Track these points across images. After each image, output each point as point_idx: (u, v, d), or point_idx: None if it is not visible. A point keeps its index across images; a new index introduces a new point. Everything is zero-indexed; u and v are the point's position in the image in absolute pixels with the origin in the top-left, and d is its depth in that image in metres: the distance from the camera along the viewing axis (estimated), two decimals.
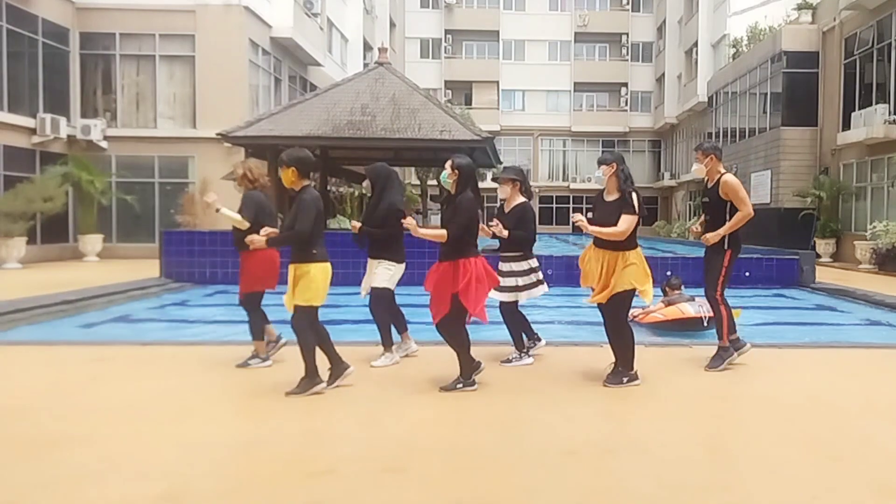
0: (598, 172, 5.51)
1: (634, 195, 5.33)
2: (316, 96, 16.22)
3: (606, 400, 5.03)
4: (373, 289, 6.05)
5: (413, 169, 30.31)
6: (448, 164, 5.27)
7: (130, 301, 10.95)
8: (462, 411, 4.72)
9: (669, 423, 4.51)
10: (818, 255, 18.81)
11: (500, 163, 18.66)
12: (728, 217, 5.86)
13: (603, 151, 5.62)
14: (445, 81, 45.53)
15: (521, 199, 6.10)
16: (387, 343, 6.08)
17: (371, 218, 6.05)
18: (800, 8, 23.10)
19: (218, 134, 15.15)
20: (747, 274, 13.71)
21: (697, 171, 6.12)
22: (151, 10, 19.84)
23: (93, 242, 18.86)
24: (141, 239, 18.86)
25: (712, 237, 5.88)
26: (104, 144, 19.80)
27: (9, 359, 6.37)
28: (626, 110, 45.67)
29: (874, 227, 17.16)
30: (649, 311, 8.37)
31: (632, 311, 8.26)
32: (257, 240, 5.10)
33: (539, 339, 6.36)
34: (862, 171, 19.98)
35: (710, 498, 3.33)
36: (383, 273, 6.04)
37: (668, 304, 8.37)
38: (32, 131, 18.09)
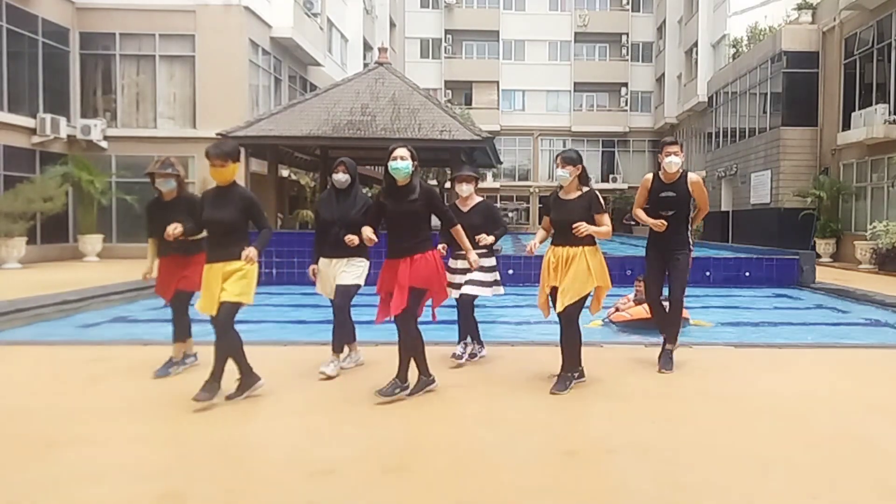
0: (561, 172, 5.22)
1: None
2: (316, 96, 16.24)
3: (607, 400, 5.03)
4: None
5: None
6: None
7: (130, 301, 10.95)
8: (462, 411, 4.72)
9: (669, 423, 4.50)
10: (818, 255, 18.81)
11: (500, 163, 18.67)
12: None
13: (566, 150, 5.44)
14: (445, 81, 45.53)
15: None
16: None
17: None
18: (800, 8, 23.09)
19: (218, 134, 15.13)
20: (747, 274, 13.71)
21: (671, 164, 5.74)
22: (151, 10, 19.86)
23: (93, 242, 18.86)
24: (141, 239, 18.67)
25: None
26: (104, 144, 19.81)
27: (9, 359, 6.37)
28: (626, 110, 45.68)
29: (874, 227, 17.16)
30: (619, 308, 8.53)
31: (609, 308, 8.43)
32: None
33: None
34: (862, 171, 19.98)
35: (710, 498, 3.33)
36: None
37: (637, 302, 8.40)
38: (32, 131, 18.10)
